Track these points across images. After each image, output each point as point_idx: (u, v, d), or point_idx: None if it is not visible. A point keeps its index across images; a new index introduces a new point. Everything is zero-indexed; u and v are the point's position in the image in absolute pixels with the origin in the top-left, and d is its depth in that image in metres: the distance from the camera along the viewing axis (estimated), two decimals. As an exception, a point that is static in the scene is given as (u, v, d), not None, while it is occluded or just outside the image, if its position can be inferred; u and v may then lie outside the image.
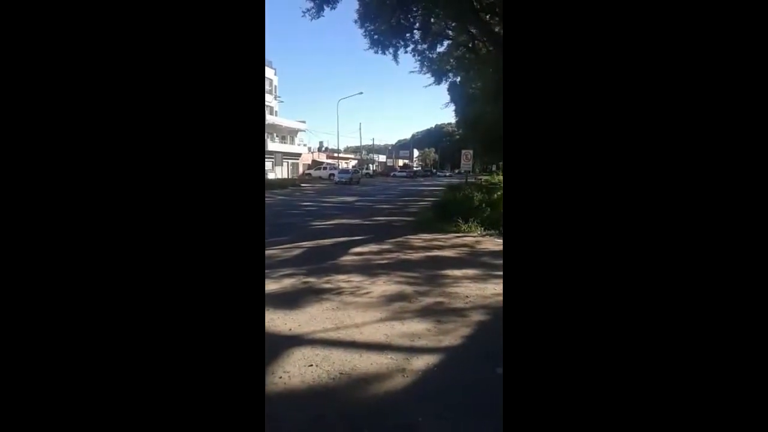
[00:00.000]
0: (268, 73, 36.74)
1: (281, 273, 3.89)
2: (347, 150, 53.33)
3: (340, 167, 34.66)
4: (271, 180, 24.93)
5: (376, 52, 11.41)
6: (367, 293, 3.30)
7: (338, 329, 2.56)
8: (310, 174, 34.36)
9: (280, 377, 1.96)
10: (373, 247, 5.27)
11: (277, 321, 2.67)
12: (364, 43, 11.06)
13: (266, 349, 2.26)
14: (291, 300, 3.10)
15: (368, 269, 4.09)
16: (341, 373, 2.00)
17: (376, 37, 11.13)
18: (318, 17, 10.03)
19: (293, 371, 2.01)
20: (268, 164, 31.67)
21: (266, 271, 3.95)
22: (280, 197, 15.49)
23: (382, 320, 2.71)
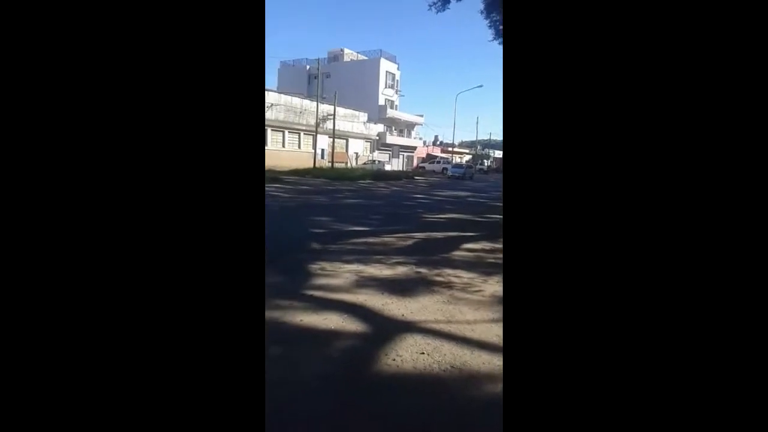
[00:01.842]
0: (391, 68, 38.01)
1: (395, 260, 4.04)
2: (462, 144, 52.38)
3: (453, 162, 34.34)
4: (387, 171, 25.97)
5: (500, 44, 10.96)
6: (479, 291, 3.23)
7: (449, 323, 2.57)
8: (423, 167, 34.74)
9: (393, 360, 2.05)
10: (486, 245, 5.11)
11: (391, 305, 2.80)
12: (488, 34, 10.70)
13: (380, 330, 2.42)
14: (404, 288, 3.20)
15: (480, 267, 3.98)
16: (452, 367, 2.01)
17: (501, 27, 10.66)
18: (443, 10, 10.02)
19: (406, 356, 2.09)
20: (385, 156, 32.96)
21: (381, 257, 4.15)
22: (395, 188, 16.01)
23: (494, 321, 2.62)
